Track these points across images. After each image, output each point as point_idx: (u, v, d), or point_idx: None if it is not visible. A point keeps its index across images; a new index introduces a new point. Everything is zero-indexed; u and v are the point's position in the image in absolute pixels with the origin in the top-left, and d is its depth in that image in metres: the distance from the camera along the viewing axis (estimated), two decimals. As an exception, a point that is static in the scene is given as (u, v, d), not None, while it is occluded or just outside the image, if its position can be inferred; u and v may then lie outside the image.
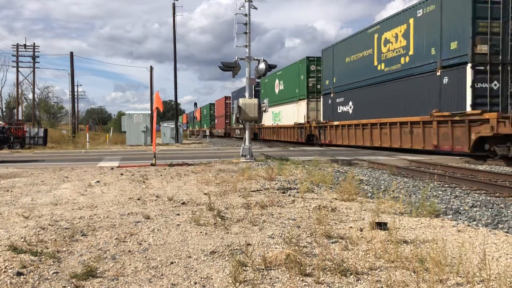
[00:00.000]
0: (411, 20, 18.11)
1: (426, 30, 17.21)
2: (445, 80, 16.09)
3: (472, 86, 14.75)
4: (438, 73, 16.43)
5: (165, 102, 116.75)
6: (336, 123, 25.32)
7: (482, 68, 14.75)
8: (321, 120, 27.61)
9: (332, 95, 26.19)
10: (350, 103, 23.99)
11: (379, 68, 20.93)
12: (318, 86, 28.36)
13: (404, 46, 18.71)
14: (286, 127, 33.52)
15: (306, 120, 29.10)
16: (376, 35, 21.12)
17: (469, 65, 14.79)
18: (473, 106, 14.71)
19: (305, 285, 3.54)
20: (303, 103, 29.29)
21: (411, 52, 18.19)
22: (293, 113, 31.42)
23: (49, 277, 3.71)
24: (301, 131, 30.31)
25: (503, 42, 14.84)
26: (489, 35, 14.72)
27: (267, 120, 36.81)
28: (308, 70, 28.81)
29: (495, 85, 14.91)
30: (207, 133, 54.76)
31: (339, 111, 25.30)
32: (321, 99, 27.88)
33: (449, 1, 15.94)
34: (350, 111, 23.98)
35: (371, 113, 21.42)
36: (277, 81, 35.60)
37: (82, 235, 5.09)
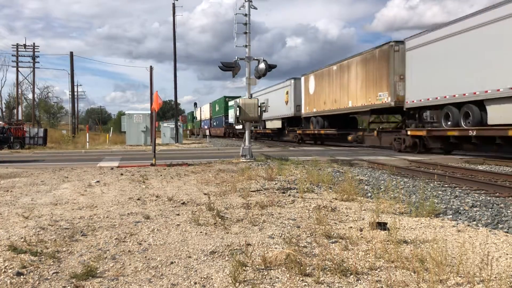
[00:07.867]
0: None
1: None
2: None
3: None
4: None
5: (165, 102, 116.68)
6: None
7: None
8: None
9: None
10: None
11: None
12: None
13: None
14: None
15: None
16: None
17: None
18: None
19: (305, 285, 3.54)
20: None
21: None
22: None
23: (49, 277, 3.71)
24: None
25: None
26: None
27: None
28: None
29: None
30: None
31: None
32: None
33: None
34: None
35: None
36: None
37: (82, 235, 5.09)
